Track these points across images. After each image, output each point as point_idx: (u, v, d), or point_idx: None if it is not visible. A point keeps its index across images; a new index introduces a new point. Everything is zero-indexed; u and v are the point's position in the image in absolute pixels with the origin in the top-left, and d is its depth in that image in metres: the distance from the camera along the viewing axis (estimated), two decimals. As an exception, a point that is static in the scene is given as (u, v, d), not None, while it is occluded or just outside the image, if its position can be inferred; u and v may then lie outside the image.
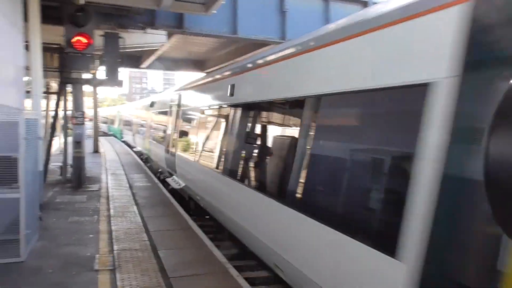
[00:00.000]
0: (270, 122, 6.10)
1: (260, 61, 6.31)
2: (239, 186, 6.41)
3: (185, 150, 10.80)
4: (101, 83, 13.68)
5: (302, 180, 4.44)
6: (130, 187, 12.43)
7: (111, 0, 11.36)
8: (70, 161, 12.96)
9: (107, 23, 12.66)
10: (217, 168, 7.60)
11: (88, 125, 32.72)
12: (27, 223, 6.09)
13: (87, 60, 11.82)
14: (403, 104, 3.20)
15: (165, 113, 14.36)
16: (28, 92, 10.09)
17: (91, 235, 7.39)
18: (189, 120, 11.05)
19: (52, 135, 12.95)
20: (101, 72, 13.72)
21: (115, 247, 6.69)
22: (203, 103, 9.73)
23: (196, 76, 15.52)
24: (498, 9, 2.52)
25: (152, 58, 20.00)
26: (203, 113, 9.64)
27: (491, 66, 2.54)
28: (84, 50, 11.39)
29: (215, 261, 6.21)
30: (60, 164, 13.74)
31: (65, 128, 14.36)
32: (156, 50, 17.79)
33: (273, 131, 5.96)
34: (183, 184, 10.64)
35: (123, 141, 32.11)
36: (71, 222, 8.29)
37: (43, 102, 17.25)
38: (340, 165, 4.01)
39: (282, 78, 5.35)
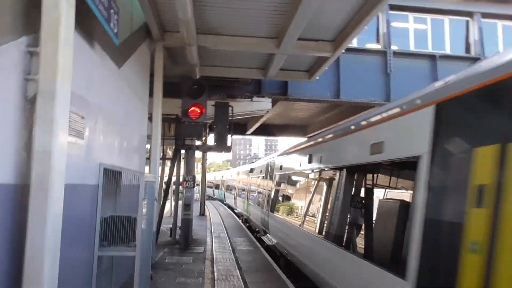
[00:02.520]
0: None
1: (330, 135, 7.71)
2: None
3: (276, 210, 11.86)
4: (210, 148, 14.62)
5: None
6: (233, 250, 12.53)
7: (223, 73, 12.42)
8: (179, 223, 13.67)
9: (218, 94, 13.80)
10: (301, 226, 8.64)
11: (196, 190, 35.03)
12: (140, 282, 6.36)
13: (200, 128, 12.81)
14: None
15: (260, 177, 16.30)
16: (147, 158, 11.15)
17: (196, 298, 7.44)
18: (279, 184, 12.26)
19: (165, 198, 13.94)
20: (210, 139, 14.74)
21: (219, 312, 6.59)
22: (289, 169, 11.00)
23: (296, 141, 15.78)
24: (455, 110, 3.82)
25: (257, 124, 20.98)
26: (290, 178, 10.96)
27: (452, 144, 3.84)
28: (198, 119, 12.40)
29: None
30: (170, 226, 14.57)
31: (177, 192, 15.37)
32: (261, 117, 18.66)
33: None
34: (275, 241, 11.59)
35: (225, 204, 33.95)
36: (178, 283, 8.50)
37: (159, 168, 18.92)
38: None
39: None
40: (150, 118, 11.06)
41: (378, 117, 5.41)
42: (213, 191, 47.61)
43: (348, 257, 5.68)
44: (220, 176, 45.22)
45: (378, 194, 5.21)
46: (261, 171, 16.44)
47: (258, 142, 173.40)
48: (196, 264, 10.44)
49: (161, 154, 17.57)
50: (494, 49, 16.44)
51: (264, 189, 14.60)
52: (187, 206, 12.82)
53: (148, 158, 11.08)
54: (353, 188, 6.21)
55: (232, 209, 28.89)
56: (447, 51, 15.70)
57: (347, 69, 14.29)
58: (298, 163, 9.88)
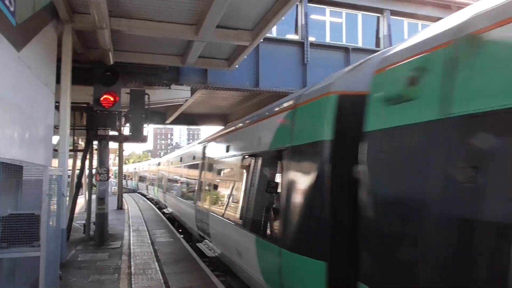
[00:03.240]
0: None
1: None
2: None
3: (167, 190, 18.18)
4: (126, 139, 13.96)
5: None
6: (152, 243, 12.19)
7: (139, 59, 11.85)
8: (94, 218, 12.92)
9: (134, 81, 13.15)
10: (181, 197, 13.99)
11: (113, 182, 33.43)
12: (47, 283, 5.89)
13: (113, 117, 12.14)
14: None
15: (163, 169, 21.93)
16: (55, 150, 10.31)
17: (111, 295, 7.10)
18: (172, 173, 18.47)
19: (77, 192, 13.03)
20: (126, 129, 14.05)
21: (135, 309, 6.36)
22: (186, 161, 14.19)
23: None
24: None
25: (177, 113, 20.51)
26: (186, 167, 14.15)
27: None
28: (111, 108, 11.71)
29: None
30: (84, 222, 13.71)
31: (89, 185, 14.47)
32: (180, 105, 18.26)
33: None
34: (171, 211, 17.88)
35: (139, 193, 39.37)
36: (91, 281, 8.04)
37: (70, 161, 17.65)
38: None
39: None
40: (58, 107, 10.22)
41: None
42: (126, 182, 47.28)
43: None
44: (132, 168, 49.89)
45: (285, 179, 5.04)
46: (163, 164, 21.74)
47: (181, 131, 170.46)
48: (112, 259, 9.97)
49: (72, 145, 16.40)
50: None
51: (163, 177, 20.32)
52: (101, 200, 12.14)
53: (56, 150, 10.24)
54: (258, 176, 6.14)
55: (144, 196, 33.59)
56: (360, 44, 16.68)
57: (266, 58, 14.52)
58: (192, 155, 12.63)
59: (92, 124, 12.36)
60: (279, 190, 4.99)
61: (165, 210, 19.88)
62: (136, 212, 21.95)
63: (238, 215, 6.76)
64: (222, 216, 7.72)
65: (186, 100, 16.33)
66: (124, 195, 26.86)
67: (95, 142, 13.08)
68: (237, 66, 12.33)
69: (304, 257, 4.17)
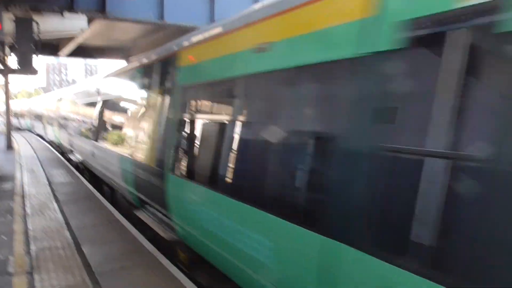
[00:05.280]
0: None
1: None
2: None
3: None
4: (12, 71, 12.50)
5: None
6: (50, 183, 11.54)
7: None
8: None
9: (18, 4, 11.51)
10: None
11: (0, 121, 30.07)
12: None
13: (-5, 46, 10.70)
14: None
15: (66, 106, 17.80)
16: None
17: (4, 237, 6.72)
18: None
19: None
20: (13, 61, 12.53)
21: (33, 247, 6.15)
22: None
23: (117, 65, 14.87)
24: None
25: (72, 45, 18.68)
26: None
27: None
28: (-9, 35, 10.28)
29: (145, 252, 5.96)
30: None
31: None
32: (75, 37, 16.61)
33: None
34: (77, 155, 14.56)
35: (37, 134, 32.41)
36: (-21, 224, 7.47)
37: None
38: None
39: None
40: None
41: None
42: (19, 120, 42.43)
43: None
44: (26, 105, 41.00)
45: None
46: (66, 99, 17.14)
47: (77, 66, 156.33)
48: (3, 201, 9.28)
49: None
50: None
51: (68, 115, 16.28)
52: (-14, 138, 10.95)
53: None
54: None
55: (41, 137, 28.09)
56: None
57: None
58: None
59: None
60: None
61: (72, 157, 15.88)
62: (29, 152, 20.28)
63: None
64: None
65: (82, 31, 14.88)
66: (16, 134, 24.47)
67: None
68: (139, -5, 11.49)
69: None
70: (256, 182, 3.64)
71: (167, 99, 5.97)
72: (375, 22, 2.45)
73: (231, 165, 4.03)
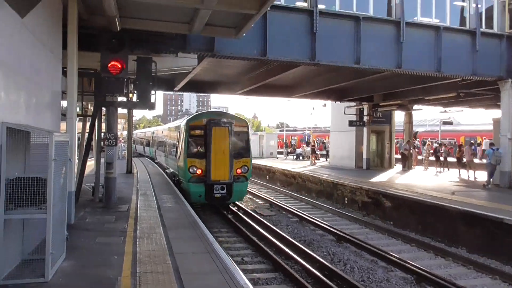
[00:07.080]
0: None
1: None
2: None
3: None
4: (134, 105, 14.10)
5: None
6: (159, 208, 12.55)
7: (145, 26, 11.78)
8: (102, 181, 13.28)
9: (141, 48, 13.11)
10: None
11: (123, 146, 34.11)
12: (54, 244, 6.20)
13: (121, 84, 12.23)
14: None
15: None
16: (64, 115, 10.51)
17: (115, 256, 7.43)
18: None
19: (86, 156, 13.37)
20: (135, 96, 14.14)
21: (138, 270, 6.69)
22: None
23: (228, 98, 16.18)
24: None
25: (185, 81, 20.49)
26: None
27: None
28: (118, 74, 11.78)
29: (236, 285, 6.07)
30: (93, 184, 14.11)
31: (97, 150, 14.80)
32: (188, 73, 18.23)
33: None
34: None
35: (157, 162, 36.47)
36: (98, 242, 8.41)
37: (80, 125, 17.99)
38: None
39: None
40: (65, 73, 10.34)
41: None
42: (135, 146, 46.97)
43: None
44: (141, 134, 49.22)
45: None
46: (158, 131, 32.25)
47: (190, 98, 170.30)
48: (119, 223, 10.34)
49: (81, 110, 16.61)
50: (413, 14, 17.35)
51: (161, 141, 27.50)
52: (109, 165, 12.44)
53: (65, 115, 10.45)
54: None
55: (152, 159, 34.34)
56: (371, 12, 16.26)
57: (274, 27, 14.30)
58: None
59: (100, 90, 12.50)
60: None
61: (167, 170, 24.45)
62: (145, 176, 22.42)
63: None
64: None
65: (193, 68, 16.29)
66: (134, 159, 27.48)
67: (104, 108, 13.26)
68: (244, 35, 12.18)
69: None
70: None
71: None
72: None
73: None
